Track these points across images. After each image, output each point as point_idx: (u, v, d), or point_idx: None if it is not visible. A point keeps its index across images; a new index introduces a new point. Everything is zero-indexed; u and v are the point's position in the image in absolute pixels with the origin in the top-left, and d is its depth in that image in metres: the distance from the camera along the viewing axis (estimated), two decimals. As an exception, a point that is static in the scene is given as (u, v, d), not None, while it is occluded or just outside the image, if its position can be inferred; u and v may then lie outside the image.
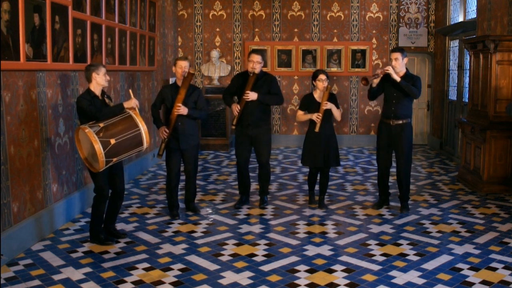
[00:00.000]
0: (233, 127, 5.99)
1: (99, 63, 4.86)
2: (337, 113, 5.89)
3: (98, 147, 4.37)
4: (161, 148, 5.61)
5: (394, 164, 6.08)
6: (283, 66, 10.99)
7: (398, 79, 5.58)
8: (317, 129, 5.77)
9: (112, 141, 4.47)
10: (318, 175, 6.16)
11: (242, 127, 5.94)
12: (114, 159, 4.57)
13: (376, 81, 5.73)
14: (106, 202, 4.82)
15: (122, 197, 5.04)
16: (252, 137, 5.95)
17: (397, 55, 5.68)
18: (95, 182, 4.78)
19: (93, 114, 4.59)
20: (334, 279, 4.05)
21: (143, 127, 4.66)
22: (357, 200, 6.55)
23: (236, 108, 5.84)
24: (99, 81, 4.71)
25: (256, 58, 5.83)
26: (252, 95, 5.78)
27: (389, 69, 5.59)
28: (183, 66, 5.57)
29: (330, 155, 5.89)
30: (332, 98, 5.88)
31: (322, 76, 5.81)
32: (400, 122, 5.72)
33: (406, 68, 5.79)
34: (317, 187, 6.38)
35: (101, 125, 4.49)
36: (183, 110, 5.48)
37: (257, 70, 5.83)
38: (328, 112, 5.81)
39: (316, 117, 5.77)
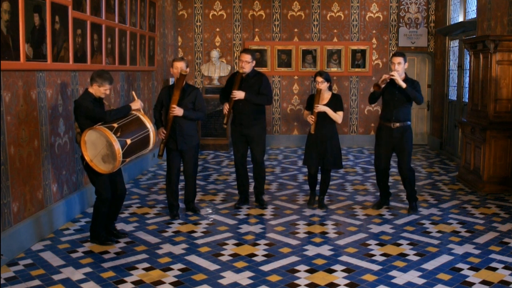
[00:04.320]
0: (225, 126, 6.04)
1: (111, 77, 4.69)
2: (334, 116, 5.76)
3: (118, 146, 4.38)
4: (160, 148, 5.64)
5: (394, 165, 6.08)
6: (283, 66, 10.99)
7: (403, 85, 5.58)
8: (312, 131, 5.78)
9: (128, 141, 4.51)
10: (319, 176, 6.15)
11: (236, 126, 5.98)
12: (127, 159, 4.59)
13: (382, 86, 5.75)
14: (107, 204, 4.80)
15: (123, 198, 5.04)
16: (246, 136, 5.96)
17: (400, 59, 5.67)
18: (96, 185, 4.75)
19: (101, 115, 4.57)
20: (334, 279, 4.05)
21: (151, 128, 4.73)
22: (357, 200, 6.55)
23: (225, 107, 5.87)
24: (96, 92, 4.69)
25: (245, 57, 5.82)
26: (238, 94, 5.78)
27: (395, 75, 5.60)
28: (179, 67, 5.56)
29: (326, 157, 5.85)
30: (334, 100, 5.82)
31: (318, 79, 5.77)
32: (401, 124, 5.72)
33: (405, 73, 5.81)
34: (317, 187, 6.38)
35: (115, 125, 4.50)
36: (178, 111, 5.48)
37: (246, 70, 5.83)
38: (325, 114, 5.79)
39: (309, 118, 5.78)
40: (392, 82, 5.68)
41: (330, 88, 5.88)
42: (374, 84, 5.65)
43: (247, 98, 5.84)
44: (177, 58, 5.71)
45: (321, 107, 5.72)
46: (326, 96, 5.82)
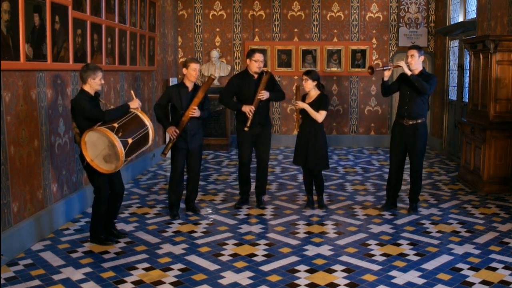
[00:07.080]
0: (247, 129, 5.80)
1: (97, 66, 4.72)
2: (313, 114, 5.74)
3: (120, 146, 4.38)
4: (167, 147, 5.57)
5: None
6: (283, 66, 10.99)
7: (409, 72, 5.58)
8: (296, 128, 5.87)
9: (130, 140, 4.50)
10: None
11: (250, 127, 5.91)
12: (128, 158, 4.59)
13: (387, 74, 5.71)
14: (106, 202, 4.80)
15: (121, 197, 5.03)
16: (256, 135, 5.97)
17: (413, 52, 5.67)
18: (94, 183, 4.75)
19: (99, 115, 4.54)
20: (334, 279, 4.05)
21: (150, 125, 4.72)
22: (357, 200, 6.55)
23: (250, 109, 5.77)
24: (93, 85, 4.65)
25: (262, 57, 5.89)
26: (266, 94, 5.83)
27: (401, 63, 5.62)
28: (197, 68, 5.56)
29: (308, 156, 5.84)
30: (319, 99, 5.80)
31: (303, 76, 5.83)
32: (414, 122, 5.68)
33: (423, 67, 5.77)
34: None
35: (116, 125, 4.49)
36: (198, 113, 5.51)
37: (261, 69, 5.92)
38: (307, 112, 5.79)
39: (294, 115, 5.84)
40: (406, 78, 5.67)
41: (321, 87, 5.89)
42: (369, 67, 5.64)
43: (272, 97, 5.94)
44: (193, 59, 5.64)
45: (300, 104, 5.76)
46: (313, 94, 5.84)
